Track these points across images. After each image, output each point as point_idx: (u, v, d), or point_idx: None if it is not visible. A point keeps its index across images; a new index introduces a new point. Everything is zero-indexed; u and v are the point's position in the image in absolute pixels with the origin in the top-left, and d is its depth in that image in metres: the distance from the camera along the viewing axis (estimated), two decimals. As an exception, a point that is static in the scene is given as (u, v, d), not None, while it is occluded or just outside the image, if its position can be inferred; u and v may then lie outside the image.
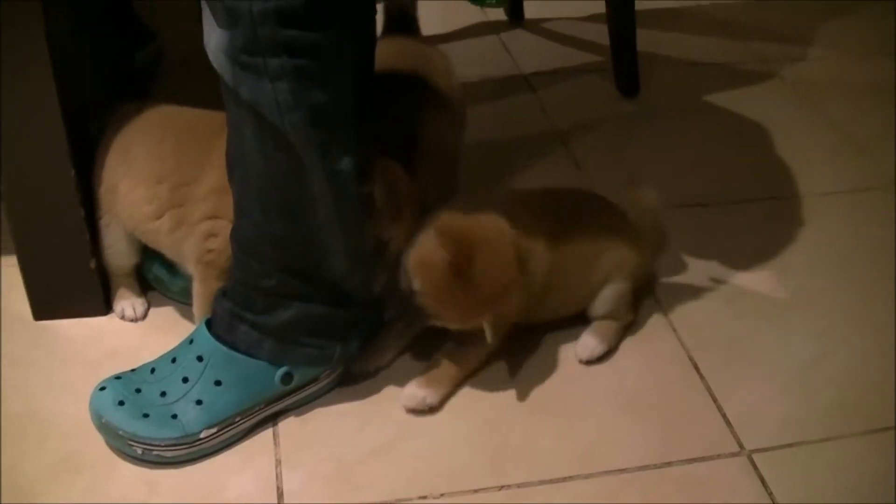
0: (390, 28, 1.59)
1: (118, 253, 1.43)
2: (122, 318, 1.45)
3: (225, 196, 1.26)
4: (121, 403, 1.22)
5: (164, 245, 1.38)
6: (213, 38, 1.10)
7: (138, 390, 1.24)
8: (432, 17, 2.29)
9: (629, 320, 1.47)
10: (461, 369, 1.36)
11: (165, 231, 1.35)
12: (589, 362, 1.41)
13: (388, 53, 1.46)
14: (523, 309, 1.33)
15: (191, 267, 1.36)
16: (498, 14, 2.46)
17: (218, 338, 1.26)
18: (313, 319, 1.26)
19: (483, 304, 1.26)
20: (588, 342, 1.42)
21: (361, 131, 1.19)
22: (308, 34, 1.07)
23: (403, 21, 1.60)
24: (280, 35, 1.06)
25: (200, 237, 1.32)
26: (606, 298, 1.43)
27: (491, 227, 1.30)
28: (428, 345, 1.40)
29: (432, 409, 1.33)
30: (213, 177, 1.30)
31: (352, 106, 1.16)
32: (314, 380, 1.31)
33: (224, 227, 1.28)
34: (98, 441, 1.25)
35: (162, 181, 1.34)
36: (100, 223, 1.40)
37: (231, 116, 1.18)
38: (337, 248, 1.23)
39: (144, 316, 1.46)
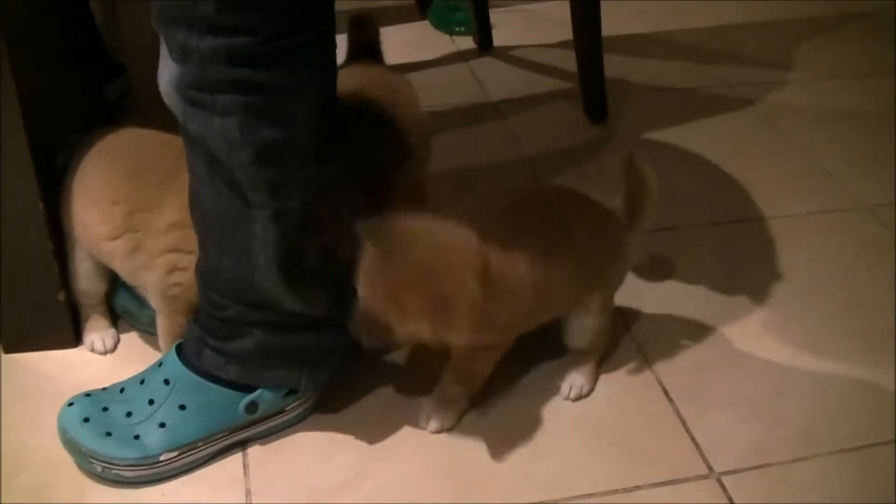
0: (353, 56, 1.59)
1: (85, 275, 1.42)
2: (92, 350, 1.45)
3: (189, 230, 1.25)
4: (86, 420, 1.23)
5: (122, 270, 1.37)
6: (166, 72, 1.10)
7: (105, 409, 1.25)
8: (400, 45, 2.31)
9: (605, 350, 1.46)
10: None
11: (122, 254, 1.34)
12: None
13: (353, 82, 1.46)
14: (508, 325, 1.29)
15: (154, 301, 1.36)
16: (467, 42, 2.48)
17: (187, 363, 1.26)
18: (278, 347, 1.26)
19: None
20: (577, 382, 1.40)
21: (325, 169, 1.18)
22: (258, 73, 1.07)
23: (367, 49, 1.60)
24: (229, 73, 1.06)
25: (163, 270, 1.32)
26: (586, 332, 1.40)
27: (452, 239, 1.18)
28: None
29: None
30: (176, 209, 1.29)
31: (311, 145, 1.15)
32: (281, 411, 1.31)
33: (190, 260, 1.28)
34: (69, 473, 1.25)
35: (117, 203, 1.33)
36: (66, 247, 1.40)
37: (187, 153, 1.18)
38: (286, 288, 1.22)
39: (114, 348, 1.46)
